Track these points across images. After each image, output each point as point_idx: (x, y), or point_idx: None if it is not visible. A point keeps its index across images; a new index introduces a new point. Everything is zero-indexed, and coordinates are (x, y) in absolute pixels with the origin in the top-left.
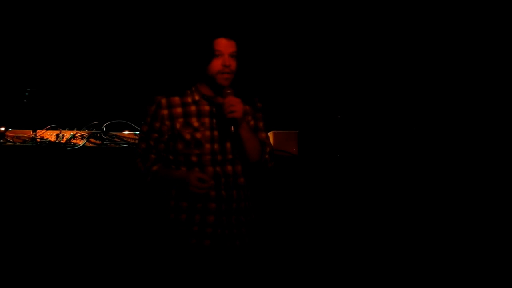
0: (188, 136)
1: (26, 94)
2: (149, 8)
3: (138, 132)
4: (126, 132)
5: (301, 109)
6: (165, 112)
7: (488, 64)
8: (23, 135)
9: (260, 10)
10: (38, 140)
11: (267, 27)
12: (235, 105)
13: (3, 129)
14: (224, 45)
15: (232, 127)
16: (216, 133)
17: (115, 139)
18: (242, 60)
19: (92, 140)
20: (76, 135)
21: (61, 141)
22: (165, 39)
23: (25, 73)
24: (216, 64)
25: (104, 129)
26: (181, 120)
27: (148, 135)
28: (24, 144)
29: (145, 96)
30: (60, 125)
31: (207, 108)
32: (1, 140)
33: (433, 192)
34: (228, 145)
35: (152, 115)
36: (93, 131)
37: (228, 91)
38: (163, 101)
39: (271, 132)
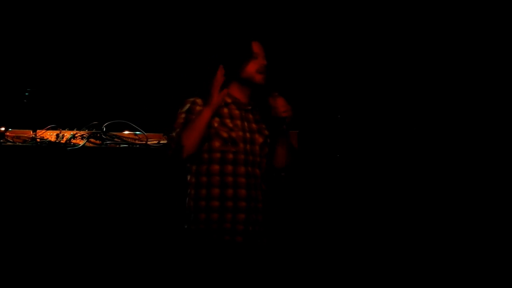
0: (225, 134)
1: (26, 94)
2: (151, 7)
3: (138, 132)
4: (126, 132)
5: (301, 109)
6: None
7: (488, 64)
8: (23, 135)
9: (262, 11)
10: (38, 140)
11: (268, 27)
12: (286, 104)
13: (3, 129)
14: (259, 47)
15: (284, 126)
16: (248, 135)
17: (115, 139)
18: None
19: (92, 140)
20: (76, 135)
21: (61, 141)
22: (166, 39)
23: (25, 73)
24: (254, 65)
25: (104, 129)
26: (217, 119)
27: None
28: (24, 144)
29: (145, 96)
30: (60, 125)
31: (237, 112)
32: (1, 140)
33: (433, 192)
34: (257, 148)
35: (187, 111)
36: (93, 131)
37: (276, 93)
38: (198, 100)
39: None
